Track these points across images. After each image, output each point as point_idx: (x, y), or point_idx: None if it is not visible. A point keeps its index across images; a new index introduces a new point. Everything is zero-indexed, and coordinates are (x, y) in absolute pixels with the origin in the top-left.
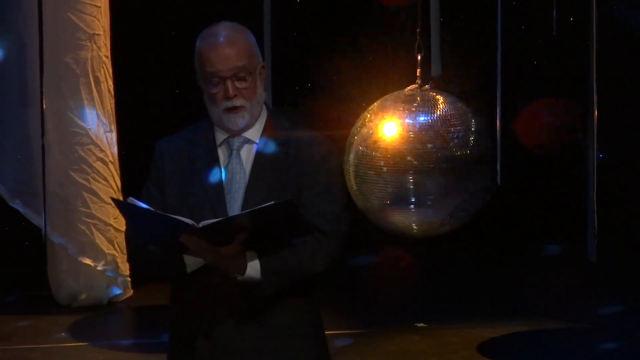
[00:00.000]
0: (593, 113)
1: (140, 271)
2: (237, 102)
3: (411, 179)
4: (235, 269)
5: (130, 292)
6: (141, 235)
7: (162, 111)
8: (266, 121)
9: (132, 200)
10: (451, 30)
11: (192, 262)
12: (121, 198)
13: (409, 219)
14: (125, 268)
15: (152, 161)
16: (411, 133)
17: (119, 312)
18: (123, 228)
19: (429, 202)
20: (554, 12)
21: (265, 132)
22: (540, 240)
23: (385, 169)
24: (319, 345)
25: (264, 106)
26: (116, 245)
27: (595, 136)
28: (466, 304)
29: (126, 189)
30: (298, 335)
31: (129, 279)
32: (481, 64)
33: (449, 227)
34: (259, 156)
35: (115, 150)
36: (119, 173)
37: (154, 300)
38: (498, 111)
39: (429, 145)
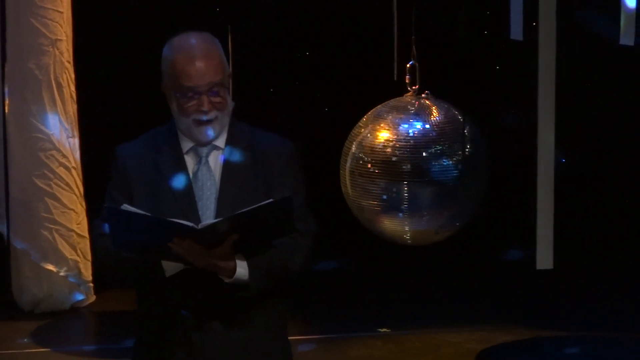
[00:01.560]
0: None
1: (113, 278)
2: (211, 114)
3: (404, 187)
4: (225, 271)
5: (93, 298)
6: (123, 243)
7: (124, 117)
8: (229, 126)
9: (126, 207)
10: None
11: (169, 267)
12: (84, 204)
13: (402, 227)
14: (87, 274)
15: (114, 168)
16: (405, 141)
17: (81, 318)
18: (86, 234)
19: (423, 211)
20: (521, 16)
21: (230, 138)
22: (501, 246)
23: (379, 176)
24: (286, 348)
25: None
26: (79, 251)
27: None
28: (429, 309)
29: (89, 195)
30: (271, 338)
31: (91, 284)
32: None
33: (443, 235)
34: (228, 162)
35: (77, 155)
36: (82, 179)
37: (116, 305)
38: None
39: (423, 154)
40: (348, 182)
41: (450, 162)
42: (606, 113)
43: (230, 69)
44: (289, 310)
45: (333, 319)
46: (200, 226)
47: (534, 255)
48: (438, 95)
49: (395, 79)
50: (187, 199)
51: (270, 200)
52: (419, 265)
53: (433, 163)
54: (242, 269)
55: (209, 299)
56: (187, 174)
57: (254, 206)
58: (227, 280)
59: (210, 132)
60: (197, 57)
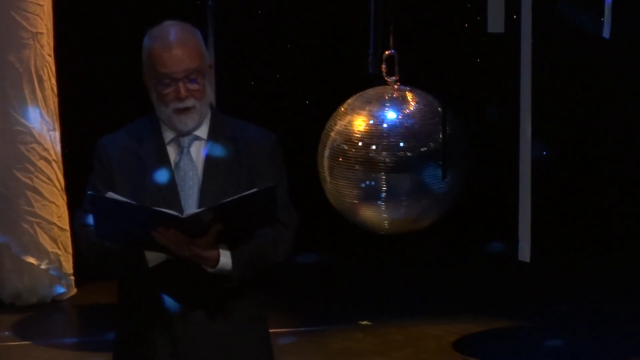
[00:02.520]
0: (529, 110)
1: (96, 269)
2: (189, 102)
3: (382, 177)
4: (208, 261)
5: (74, 291)
6: (107, 233)
7: (105, 110)
8: (211, 118)
9: (111, 194)
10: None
11: (152, 258)
12: (64, 197)
13: (380, 216)
14: (68, 267)
15: (96, 159)
16: (384, 130)
17: (62, 311)
18: (67, 227)
19: (401, 200)
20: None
21: (212, 129)
22: (482, 238)
23: (357, 166)
24: (267, 340)
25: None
26: (60, 244)
27: (530, 134)
28: (410, 302)
29: (70, 188)
30: (253, 329)
31: (72, 277)
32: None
33: (421, 224)
34: (211, 153)
35: (58, 148)
36: (63, 172)
37: (97, 298)
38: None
39: (401, 143)
40: (326, 171)
41: (428, 151)
42: (586, 107)
43: (212, 61)
44: (270, 302)
45: (314, 312)
46: (184, 215)
47: (515, 248)
48: (417, 86)
49: (370, 71)
50: (170, 189)
51: (255, 189)
52: (400, 258)
53: (411, 153)
54: (225, 258)
55: (191, 289)
56: (169, 164)
57: (239, 195)
58: (210, 270)
59: (190, 122)
60: (173, 44)
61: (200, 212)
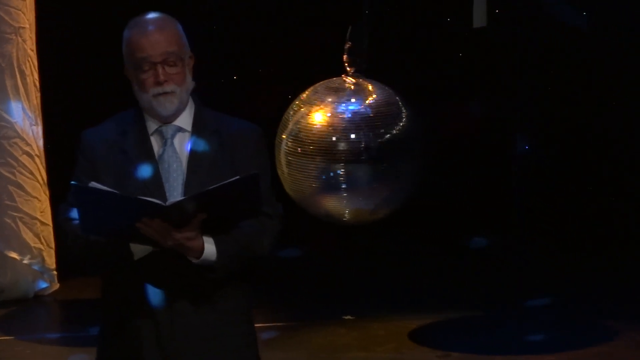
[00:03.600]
0: (519, 106)
1: (80, 263)
2: (168, 87)
3: (342, 167)
4: (193, 251)
5: (57, 286)
6: (91, 224)
7: (88, 104)
8: (195, 111)
9: (94, 184)
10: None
11: (138, 250)
12: (47, 192)
13: (339, 206)
14: (51, 262)
15: (80, 152)
16: (342, 121)
17: (45, 306)
18: (49, 222)
19: (360, 190)
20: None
21: (196, 121)
22: (467, 232)
23: (316, 156)
24: (252, 331)
25: (191, 97)
26: (42, 239)
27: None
28: (393, 296)
29: (52, 183)
30: (238, 321)
31: (55, 272)
32: (408, 55)
33: (380, 215)
34: (195, 145)
35: (41, 143)
36: (45, 166)
37: (80, 293)
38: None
39: (359, 133)
40: (283, 162)
41: (387, 142)
42: (577, 104)
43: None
44: (251, 294)
45: (297, 306)
46: (167, 203)
47: (500, 243)
48: (376, 77)
49: (345, 62)
50: (154, 181)
51: (237, 177)
52: (383, 253)
53: (370, 143)
54: (210, 249)
55: (176, 281)
56: (153, 156)
57: (221, 183)
58: (194, 261)
59: (170, 105)
60: (151, 29)
61: (183, 200)
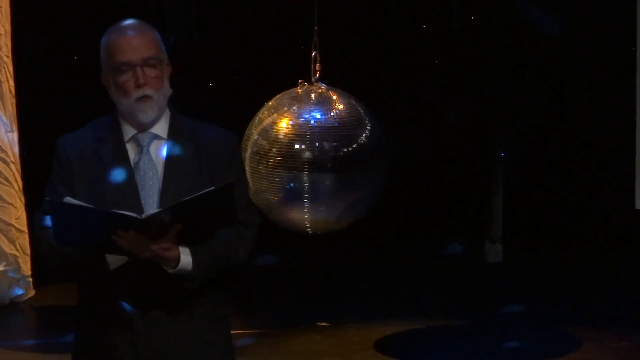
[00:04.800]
0: (499, 112)
1: (56, 272)
2: (148, 91)
3: (305, 176)
4: (168, 261)
5: (32, 293)
6: (66, 237)
7: (64, 111)
8: (171, 118)
9: (69, 199)
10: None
11: (113, 260)
12: (22, 199)
13: (303, 216)
14: (27, 268)
15: (56, 159)
16: (306, 130)
17: (21, 313)
18: (25, 229)
19: (323, 199)
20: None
21: (172, 128)
22: (442, 240)
23: (279, 166)
24: (229, 339)
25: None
26: (18, 246)
27: (499, 134)
28: (368, 303)
29: (28, 190)
30: (215, 330)
31: (30, 279)
32: (375, 63)
33: (343, 224)
34: (171, 152)
35: (16, 150)
36: (21, 173)
37: (56, 300)
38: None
39: (323, 143)
40: (248, 171)
41: (350, 151)
42: (554, 107)
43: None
44: (230, 301)
45: (272, 313)
46: (143, 216)
47: (478, 249)
48: (341, 86)
49: (313, 74)
50: (129, 189)
51: (212, 187)
52: (359, 259)
53: (333, 153)
54: (186, 259)
55: (152, 290)
56: (129, 164)
57: (196, 194)
58: (170, 270)
59: (150, 112)
60: (130, 34)
61: (158, 212)
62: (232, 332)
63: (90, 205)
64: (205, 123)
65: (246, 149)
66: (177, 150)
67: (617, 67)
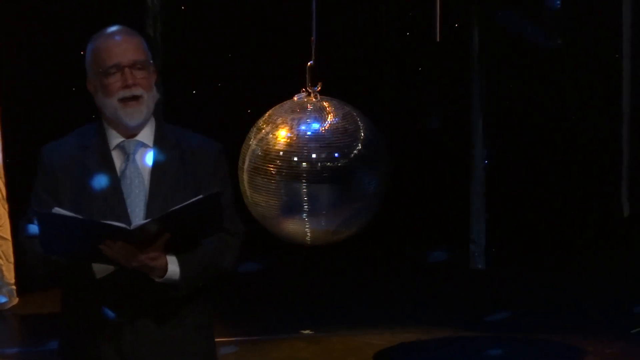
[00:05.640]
0: (479, 119)
1: (42, 280)
2: (136, 91)
3: (304, 188)
4: (156, 270)
5: (16, 300)
6: (54, 247)
7: (47, 118)
8: (156, 126)
9: (58, 210)
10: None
11: (99, 269)
12: (6, 207)
13: (301, 228)
14: (10, 276)
15: (40, 167)
16: (303, 141)
17: (4, 321)
18: (8, 236)
19: (322, 211)
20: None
21: (157, 137)
22: (426, 247)
23: (277, 177)
24: (213, 348)
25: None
26: (1, 254)
27: (481, 143)
28: (352, 311)
29: (12, 197)
30: (200, 338)
31: (14, 287)
32: (363, 70)
33: (342, 235)
34: (157, 161)
35: (0, 157)
36: (5, 181)
37: (40, 308)
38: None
39: (320, 154)
40: (246, 182)
41: (348, 162)
42: (538, 114)
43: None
44: (213, 310)
45: (255, 321)
46: (132, 227)
47: (460, 256)
48: (338, 97)
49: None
50: (116, 198)
51: (200, 196)
52: (343, 267)
53: (330, 163)
54: (173, 268)
55: (138, 298)
56: (115, 172)
57: (185, 203)
58: (158, 279)
59: (136, 115)
60: (118, 39)
61: (147, 222)
62: (216, 340)
63: (79, 216)
64: (189, 131)
65: (244, 161)
66: (162, 158)
67: (604, 75)
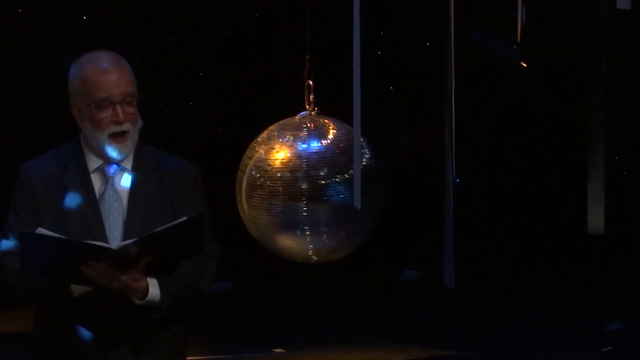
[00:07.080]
0: (451, 136)
1: (18, 298)
2: (125, 126)
3: (304, 206)
4: (137, 292)
5: None
6: (34, 267)
7: (26, 136)
8: (136, 149)
9: (42, 231)
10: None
11: (77, 288)
12: None
13: (301, 246)
14: None
15: (19, 185)
16: (302, 159)
17: None
18: None
19: (322, 229)
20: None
21: (137, 159)
22: (398, 265)
23: (276, 195)
24: None
25: None
26: None
27: (452, 160)
28: (324, 330)
29: None
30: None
31: None
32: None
33: (341, 254)
34: (135, 184)
35: None
36: None
37: (10, 327)
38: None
39: (320, 172)
40: (245, 201)
41: (347, 180)
42: (504, 131)
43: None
44: (189, 333)
45: (227, 339)
46: (116, 247)
47: (434, 274)
48: (335, 114)
49: (307, 100)
50: (94, 220)
51: (184, 218)
52: (314, 285)
53: (329, 182)
54: (154, 290)
55: (117, 320)
56: (94, 194)
57: (168, 225)
58: (138, 302)
59: (123, 150)
60: (109, 68)
61: (131, 243)
62: (187, 358)
63: (62, 237)
64: (168, 153)
65: (243, 179)
66: (141, 181)
67: (570, 94)
